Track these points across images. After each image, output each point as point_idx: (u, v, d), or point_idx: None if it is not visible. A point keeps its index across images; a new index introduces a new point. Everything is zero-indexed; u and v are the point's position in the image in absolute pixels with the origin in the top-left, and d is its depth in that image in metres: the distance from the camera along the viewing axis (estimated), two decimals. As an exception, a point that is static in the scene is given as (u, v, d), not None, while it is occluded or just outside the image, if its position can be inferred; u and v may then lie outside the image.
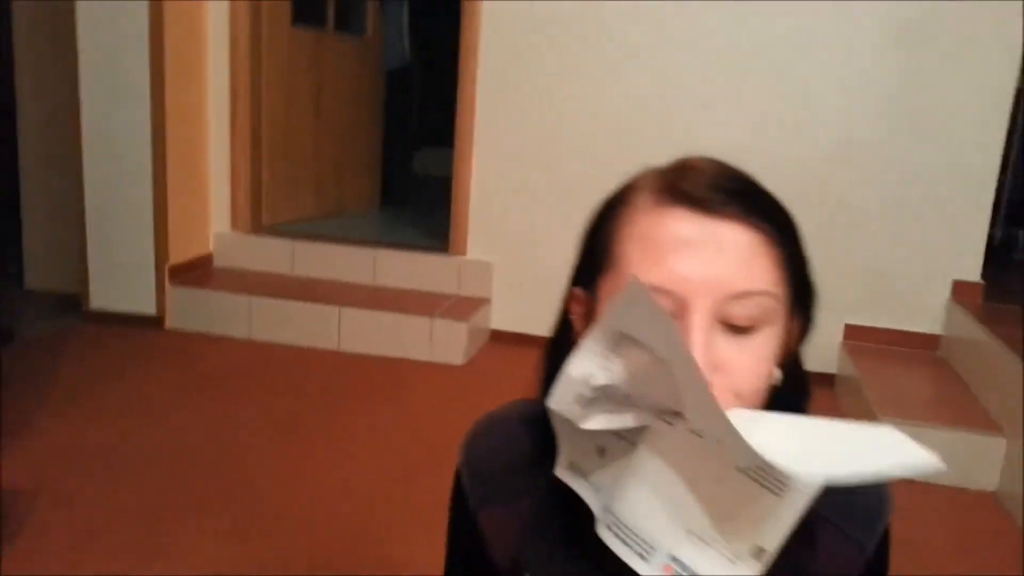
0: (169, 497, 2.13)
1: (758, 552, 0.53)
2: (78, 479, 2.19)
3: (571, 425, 0.60)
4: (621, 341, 0.56)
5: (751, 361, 0.59)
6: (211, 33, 3.50)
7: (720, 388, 0.58)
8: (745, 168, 0.65)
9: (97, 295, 3.40)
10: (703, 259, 0.58)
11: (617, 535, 0.58)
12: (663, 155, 0.68)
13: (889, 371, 2.98)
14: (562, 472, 0.63)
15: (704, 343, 0.57)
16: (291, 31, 3.76)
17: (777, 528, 0.52)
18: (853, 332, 3.26)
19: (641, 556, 0.56)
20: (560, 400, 0.59)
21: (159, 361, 3.08)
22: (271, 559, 1.89)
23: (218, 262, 3.67)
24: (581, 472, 0.62)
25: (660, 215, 0.61)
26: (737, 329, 0.59)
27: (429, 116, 5.23)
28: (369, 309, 3.25)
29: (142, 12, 3.16)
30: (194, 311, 3.37)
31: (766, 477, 0.52)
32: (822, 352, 3.20)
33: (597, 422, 0.59)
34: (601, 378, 0.57)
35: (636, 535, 0.57)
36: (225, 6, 3.47)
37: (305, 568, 1.86)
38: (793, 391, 0.67)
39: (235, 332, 3.32)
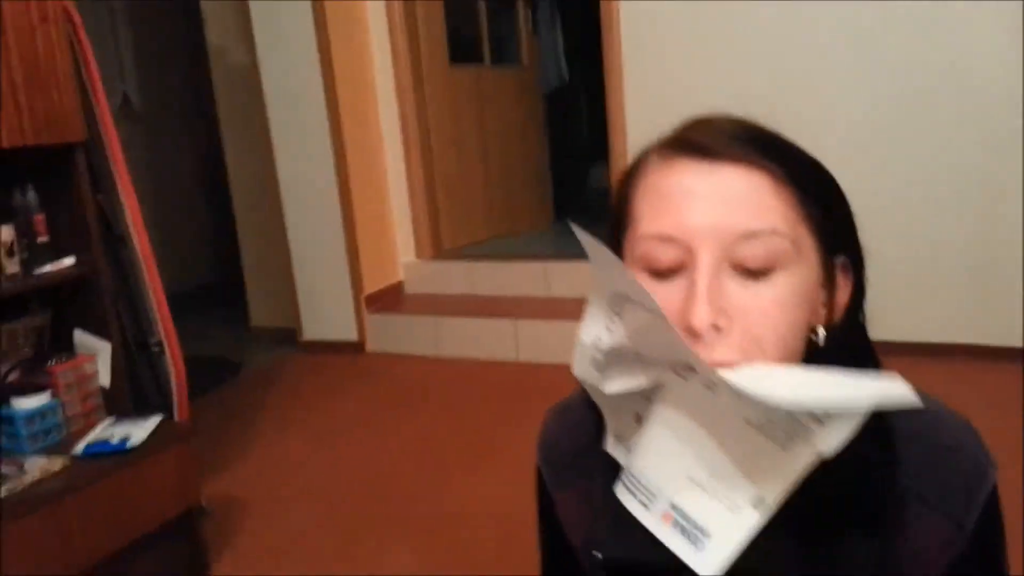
0: (364, 507, 2.37)
1: (759, 502, 0.54)
2: (286, 491, 2.50)
3: (607, 396, 0.61)
4: (619, 301, 0.57)
5: (766, 305, 0.57)
6: (378, 81, 3.85)
7: (737, 335, 0.57)
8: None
9: (308, 327, 3.84)
10: (707, 204, 0.58)
11: (627, 488, 0.59)
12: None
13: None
14: (610, 445, 0.65)
15: (709, 288, 0.56)
16: (450, 70, 4.04)
17: (780, 480, 0.53)
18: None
19: (643, 505, 0.58)
20: (581, 368, 0.62)
21: (360, 382, 3.42)
22: (453, 567, 2.03)
23: (408, 288, 4.00)
24: (625, 442, 0.63)
25: (667, 167, 0.61)
26: (750, 273, 0.58)
27: (599, 131, 5.32)
28: (544, 319, 3.40)
29: (315, 69, 3.56)
30: (389, 334, 3.71)
31: (773, 430, 0.53)
32: (1006, 324, 2.92)
33: (616, 385, 0.60)
34: (607, 340, 0.58)
35: (642, 485, 0.58)
36: (388, 58, 3.80)
37: None
38: (849, 361, 0.60)
39: (425, 351, 3.61)
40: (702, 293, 0.56)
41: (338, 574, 2.04)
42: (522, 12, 4.50)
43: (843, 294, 0.66)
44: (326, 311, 3.80)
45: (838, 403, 0.51)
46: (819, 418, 0.51)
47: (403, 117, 3.86)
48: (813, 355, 0.62)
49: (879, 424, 0.59)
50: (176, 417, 2.31)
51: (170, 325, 2.31)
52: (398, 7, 3.75)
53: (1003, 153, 2.88)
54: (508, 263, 3.82)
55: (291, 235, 3.79)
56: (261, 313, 4.25)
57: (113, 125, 2.24)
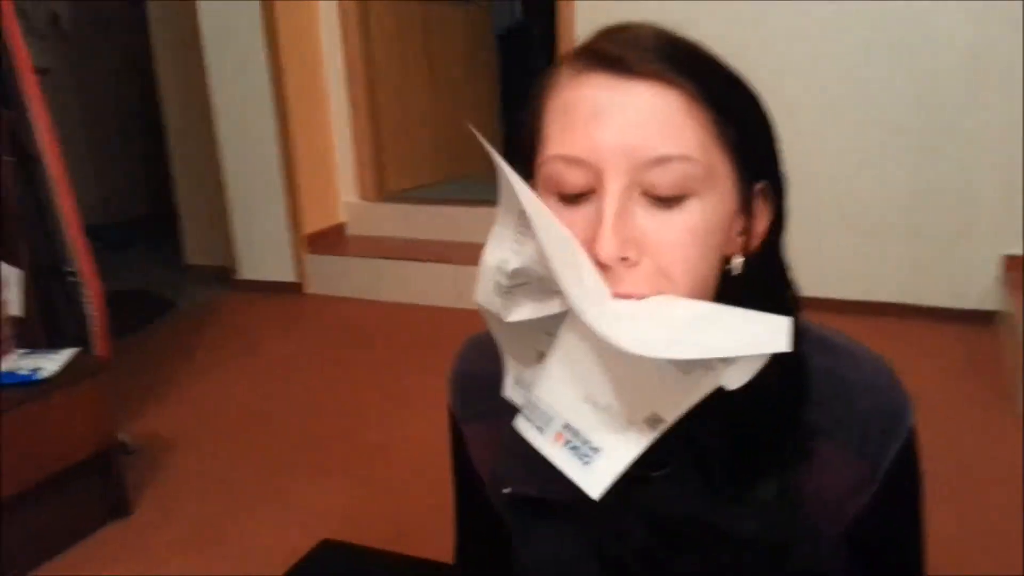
0: (290, 446, 2.31)
1: (654, 421, 0.52)
2: (215, 430, 2.42)
3: (508, 332, 0.59)
4: (527, 222, 0.54)
5: (677, 235, 0.54)
6: (322, 13, 3.66)
7: (646, 267, 0.54)
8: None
9: (245, 267, 3.70)
10: (617, 125, 0.54)
11: (525, 417, 0.57)
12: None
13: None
14: (509, 389, 0.62)
15: (617, 218, 0.53)
16: (397, 4, 3.87)
17: (678, 401, 0.51)
18: (1014, 264, 2.97)
19: (539, 429, 0.56)
20: (483, 295, 0.58)
21: (297, 323, 3.32)
22: (376, 501, 2.00)
23: (350, 230, 3.88)
24: (525, 386, 0.60)
25: (576, 83, 0.57)
26: (661, 200, 0.54)
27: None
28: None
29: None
30: (328, 276, 3.59)
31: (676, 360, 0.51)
32: (977, 288, 2.95)
33: (522, 312, 0.57)
34: (514, 262, 0.55)
35: (539, 410, 0.56)
36: (335, -14, 3.62)
37: (409, 512, 1.94)
38: (765, 291, 0.61)
39: (364, 294, 3.51)
40: (608, 224, 0.53)
41: (263, 510, 1.98)
42: (476, -54, 4.33)
43: (761, 222, 0.62)
44: (264, 251, 3.66)
45: (713, 353, 0.49)
46: (726, 359, 0.50)
47: (347, 52, 3.68)
48: (728, 285, 0.60)
49: (789, 359, 0.57)
50: (95, 351, 2.19)
51: (86, 253, 2.18)
52: (346, -69, 3.56)
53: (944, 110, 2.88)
54: (453, 207, 3.72)
55: (226, 170, 3.62)
56: (196, 250, 4.08)
57: (22, 37, 2.06)
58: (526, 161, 0.61)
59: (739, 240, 0.60)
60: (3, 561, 1.74)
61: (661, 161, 0.54)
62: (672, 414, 0.52)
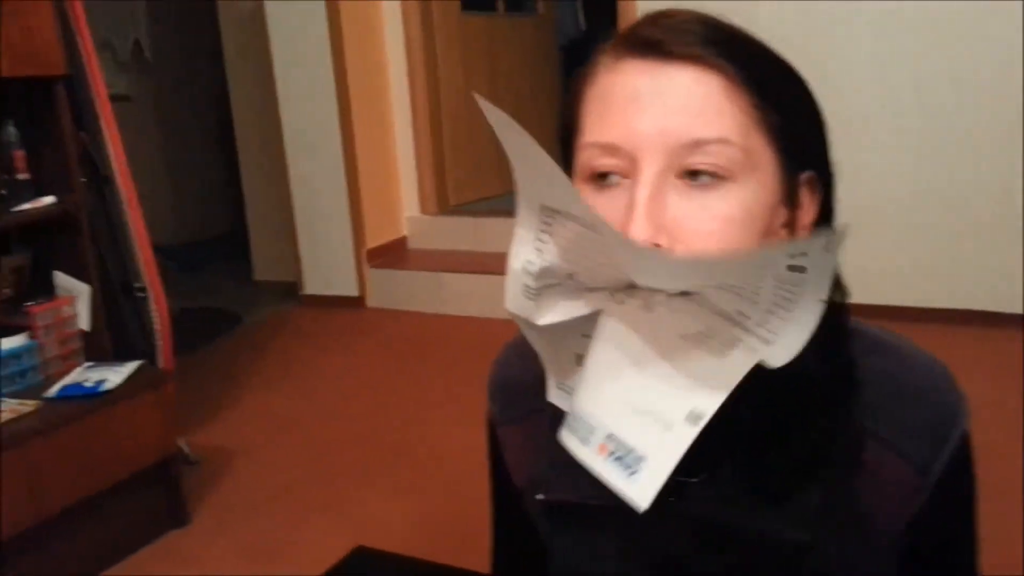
0: (350, 458, 2.33)
1: (695, 417, 0.50)
2: (277, 443, 2.46)
3: (543, 337, 0.58)
4: (550, 214, 0.52)
5: (712, 220, 0.52)
6: (387, 29, 3.73)
7: (675, 251, 0.52)
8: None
9: (309, 282, 3.78)
10: (653, 109, 0.53)
11: (569, 428, 0.56)
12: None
13: None
14: (553, 395, 0.61)
15: (650, 202, 0.52)
16: (461, 18, 3.91)
17: (717, 390, 0.49)
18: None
19: (581, 440, 0.54)
20: (513, 300, 0.56)
21: (358, 337, 3.37)
22: (435, 512, 2.00)
23: (412, 244, 3.92)
24: (569, 390, 0.59)
25: (615, 68, 0.56)
26: (697, 185, 0.52)
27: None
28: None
29: (321, 18, 3.44)
30: (390, 290, 3.64)
31: (710, 341, 0.50)
32: (1009, 290, 2.81)
33: (552, 314, 0.55)
34: (538, 262, 0.54)
35: (581, 421, 0.55)
36: (397, 4, 3.68)
37: (468, 522, 1.93)
38: None
39: (426, 307, 3.53)
40: (640, 208, 0.51)
41: (321, 524, 2.00)
42: (539, -40, 4.34)
43: (807, 214, 0.59)
44: (328, 265, 3.73)
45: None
46: (766, 338, 0.48)
47: (411, 67, 3.74)
48: None
49: (839, 357, 0.58)
50: (160, 365, 2.26)
51: (154, 270, 2.26)
52: (407, -51, 3.62)
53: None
54: (514, 219, 3.71)
55: (294, 188, 3.71)
56: (264, 267, 4.20)
57: (97, 64, 2.15)
58: (567, 151, 0.60)
59: (783, 233, 0.57)
60: (67, 566, 1.80)
61: (699, 144, 0.52)
62: (711, 405, 0.49)
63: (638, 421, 0.52)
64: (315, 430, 2.53)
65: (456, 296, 3.48)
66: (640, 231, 0.51)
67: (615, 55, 0.56)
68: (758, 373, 0.53)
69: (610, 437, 0.53)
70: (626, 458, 0.52)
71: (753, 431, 0.58)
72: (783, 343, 0.48)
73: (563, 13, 4.63)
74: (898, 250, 2.95)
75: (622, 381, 0.53)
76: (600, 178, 0.55)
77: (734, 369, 0.49)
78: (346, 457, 2.33)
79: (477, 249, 3.76)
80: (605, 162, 0.54)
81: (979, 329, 2.82)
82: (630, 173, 0.53)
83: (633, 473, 0.51)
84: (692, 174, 0.53)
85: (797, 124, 0.56)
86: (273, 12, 3.55)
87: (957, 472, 0.60)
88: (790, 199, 0.57)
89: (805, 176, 0.58)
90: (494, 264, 3.50)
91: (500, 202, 4.04)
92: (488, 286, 3.38)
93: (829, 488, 0.58)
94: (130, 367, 2.02)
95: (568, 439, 0.55)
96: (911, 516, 0.59)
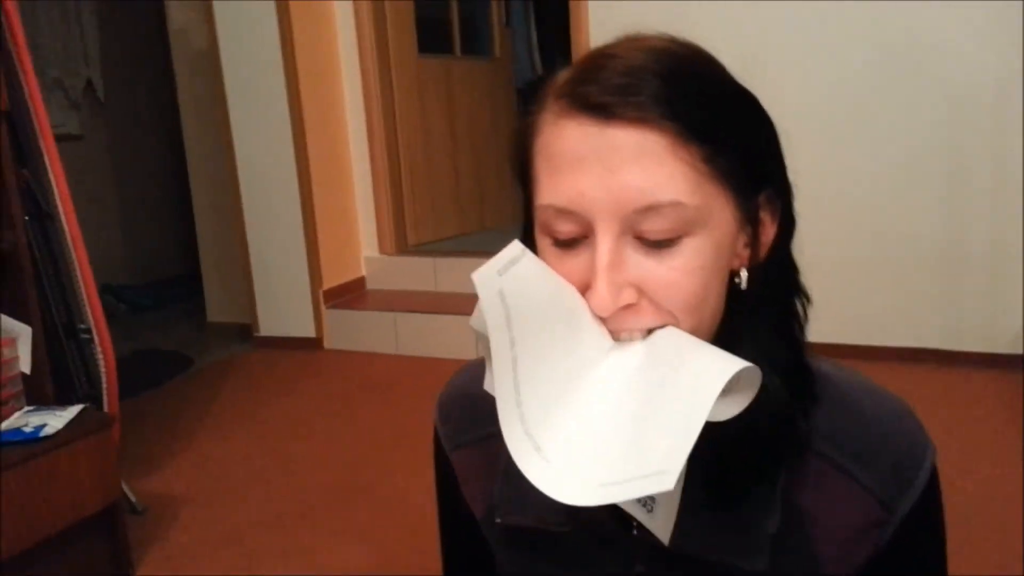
0: (304, 502, 2.26)
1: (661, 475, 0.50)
2: (229, 488, 2.38)
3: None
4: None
5: (675, 276, 0.53)
6: (344, 69, 3.74)
7: (647, 305, 0.54)
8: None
9: (265, 323, 3.72)
10: (601, 173, 0.52)
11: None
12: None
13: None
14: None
15: (610, 268, 0.52)
16: (418, 59, 3.94)
17: (680, 445, 0.48)
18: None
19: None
20: (477, 318, 0.56)
21: (314, 379, 3.30)
22: (392, 557, 1.95)
23: (370, 284, 3.89)
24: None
25: (560, 127, 0.55)
26: (655, 245, 0.53)
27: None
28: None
29: (276, 57, 3.44)
30: (347, 330, 3.59)
31: (673, 390, 0.50)
32: (1006, 330, 2.84)
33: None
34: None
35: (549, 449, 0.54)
36: (354, 45, 3.69)
37: (426, 567, 1.89)
38: (776, 297, 0.60)
39: (383, 348, 3.49)
40: (602, 278, 0.53)
41: (275, 572, 1.92)
42: (495, 3, 4.41)
43: (768, 230, 0.60)
44: (283, 307, 3.67)
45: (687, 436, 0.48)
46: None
47: (368, 107, 3.74)
48: (737, 299, 0.59)
49: (801, 392, 0.59)
50: (105, 409, 2.18)
51: (99, 310, 2.19)
52: (364, -9, 3.64)
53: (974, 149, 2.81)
54: (474, 259, 3.67)
55: (249, 228, 3.66)
56: (218, 308, 4.11)
57: (41, 99, 2.11)
58: (526, 191, 0.61)
59: (745, 253, 0.58)
60: (0, 623, 1.71)
61: (651, 208, 0.52)
62: (677, 465, 0.49)
63: (619, 473, 0.52)
64: (268, 475, 2.46)
65: (415, 337, 3.44)
66: (602, 300, 0.52)
67: (558, 111, 0.55)
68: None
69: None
70: (644, 499, 0.55)
71: (710, 455, 0.57)
72: (734, 397, 0.50)
73: (519, 55, 4.70)
74: (878, 290, 3.00)
75: (599, 420, 0.53)
76: (562, 244, 0.56)
77: (696, 417, 0.48)
78: (301, 502, 2.26)
79: (436, 289, 3.74)
80: (562, 228, 0.55)
81: (935, 367, 2.87)
82: (587, 233, 0.54)
83: (651, 511, 0.54)
84: (648, 242, 0.53)
85: (750, 156, 0.56)
86: (228, 52, 3.53)
87: (924, 514, 0.60)
88: (750, 221, 0.58)
89: (763, 195, 0.59)
90: (452, 304, 3.49)
91: (459, 242, 4.04)
92: (446, 327, 3.35)
93: (786, 517, 0.58)
94: (72, 411, 1.94)
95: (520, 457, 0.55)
96: (873, 553, 0.59)
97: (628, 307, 0.53)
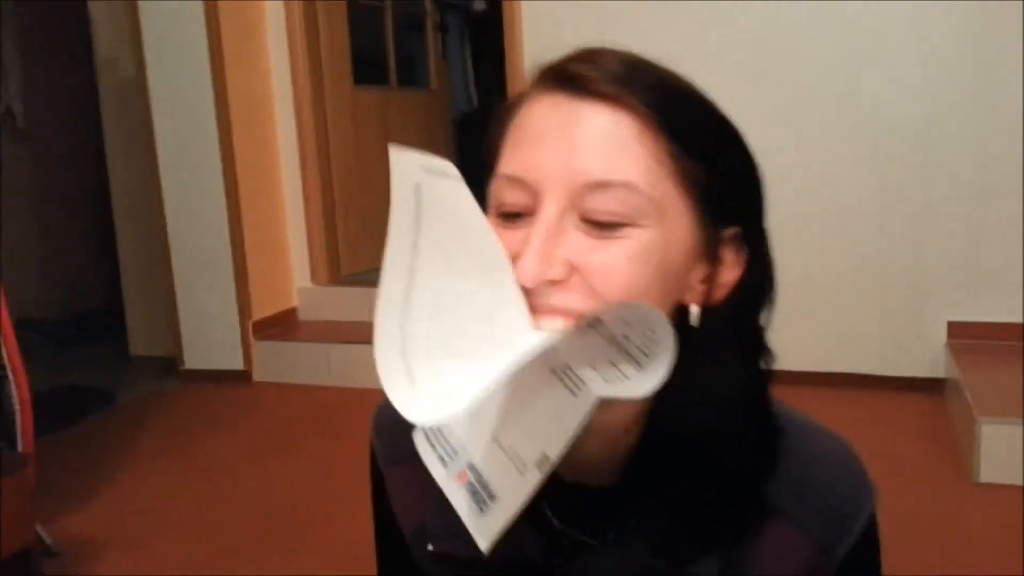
0: (236, 540, 2.19)
1: (542, 460, 0.49)
2: (151, 529, 2.29)
3: None
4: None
5: (614, 261, 0.50)
6: (276, 100, 3.70)
7: (577, 284, 0.50)
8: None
9: (190, 356, 3.61)
10: (560, 145, 0.52)
11: (428, 439, 0.56)
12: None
13: (995, 369, 2.71)
14: (417, 434, 0.59)
15: (546, 241, 0.50)
16: (353, 91, 3.93)
17: (564, 432, 0.48)
18: (957, 330, 2.99)
19: (442, 460, 0.54)
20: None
21: (243, 413, 3.21)
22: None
23: (302, 315, 3.82)
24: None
25: (534, 102, 0.55)
26: (598, 227, 0.51)
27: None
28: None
29: (206, 86, 3.39)
30: (277, 362, 3.51)
31: (570, 376, 0.49)
32: (926, 355, 2.97)
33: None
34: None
35: (445, 440, 0.54)
36: (287, 75, 3.67)
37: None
38: (729, 348, 0.56)
39: (314, 380, 3.43)
40: (534, 247, 0.50)
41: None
42: (431, 35, 4.45)
43: (730, 272, 0.57)
44: (211, 339, 3.57)
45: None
46: (638, 362, 0.47)
47: (301, 137, 3.71)
48: (686, 336, 0.53)
49: (765, 425, 0.58)
50: (19, 448, 2.08)
51: (14, 346, 2.10)
52: (298, 19, 3.61)
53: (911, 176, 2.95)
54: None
55: (175, 258, 3.56)
56: (141, 341, 3.98)
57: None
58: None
59: (699, 288, 0.56)
60: None
61: (600, 186, 0.51)
62: (557, 448, 0.48)
63: (500, 458, 0.51)
64: (197, 513, 2.37)
65: (347, 368, 3.39)
66: (528, 270, 0.49)
67: (538, 88, 0.56)
68: (674, 435, 0.53)
69: (471, 467, 0.52)
70: (481, 493, 0.51)
71: (657, 498, 0.57)
72: (652, 367, 0.47)
73: (456, 88, 4.74)
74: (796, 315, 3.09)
75: (491, 410, 0.52)
76: (507, 217, 0.54)
77: (580, 409, 0.48)
78: (233, 540, 2.19)
79: (370, 320, 3.65)
80: (510, 199, 0.53)
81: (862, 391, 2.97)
82: (534, 210, 0.52)
83: (484, 511, 0.51)
84: (592, 223, 0.51)
85: (720, 178, 0.54)
86: (156, 80, 3.46)
87: (862, 556, 0.59)
88: (710, 254, 0.55)
89: (729, 232, 0.56)
90: (386, 334, 3.45)
91: (393, 272, 4.02)
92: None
93: (728, 560, 0.57)
94: (-17, 451, 1.85)
95: (425, 451, 0.55)
96: None
97: (555, 282, 0.50)
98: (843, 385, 3.01)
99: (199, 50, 3.38)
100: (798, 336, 3.09)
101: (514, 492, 0.50)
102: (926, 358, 2.99)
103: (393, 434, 0.70)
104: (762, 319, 0.59)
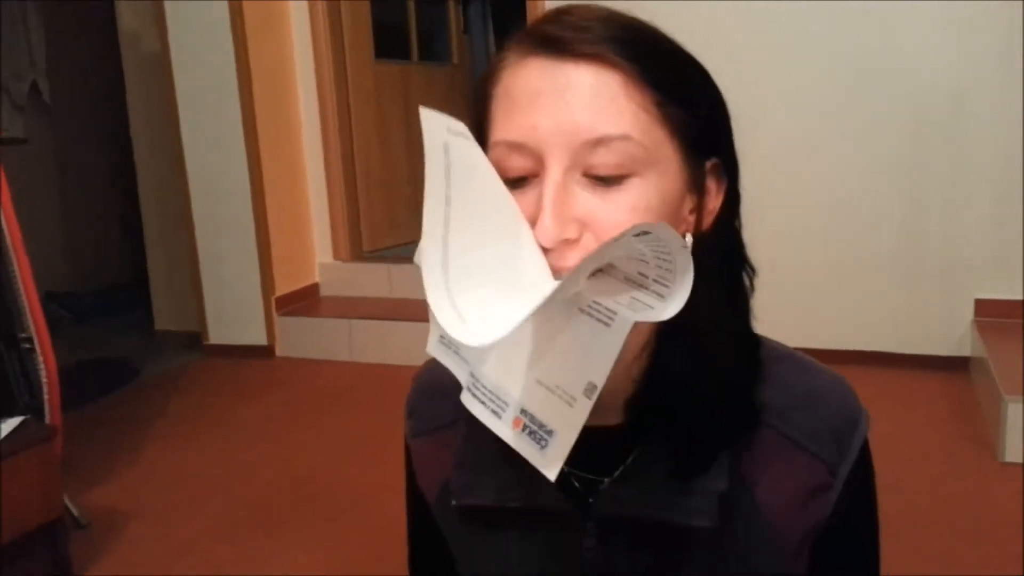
0: (258, 512, 2.23)
1: (590, 389, 0.53)
2: (177, 501, 2.33)
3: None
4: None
5: (619, 212, 0.54)
6: (299, 75, 3.70)
7: (589, 242, 0.54)
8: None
9: (215, 331, 3.65)
10: (555, 108, 0.54)
11: (478, 398, 0.58)
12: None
13: (1022, 347, 2.66)
14: (433, 348, 0.62)
15: (556, 201, 0.53)
16: (375, 65, 3.91)
17: (605, 359, 0.52)
18: (984, 307, 2.95)
19: (495, 414, 0.56)
20: (436, 347, 0.59)
21: (266, 387, 3.25)
22: (352, 565, 1.92)
23: (324, 291, 3.85)
24: (451, 344, 0.60)
25: (518, 66, 0.57)
26: (603, 181, 0.54)
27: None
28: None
29: (229, 60, 3.39)
30: (300, 338, 3.54)
31: (599, 310, 0.52)
32: (953, 333, 2.93)
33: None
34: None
35: (493, 394, 0.57)
36: (309, 50, 3.66)
37: (386, 572, 1.87)
38: (720, 267, 0.62)
39: (338, 355, 3.45)
40: (548, 209, 0.53)
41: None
42: (452, 9, 4.41)
43: (714, 200, 0.62)
44: (234, 314, 3.61)
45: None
46: (660, 292, 0.50)
47: (323, 113, 3.71)
48: None
49: (748, 339, 0.64)
50: (47, 420, 2.12)
51: (41, 319, 2.13)
52: (320, -4, 3.60)
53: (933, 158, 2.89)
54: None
55: (199, 233, 3.60)
56: (166, 316, 4.03)
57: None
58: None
59: (690, 219, 0.60)
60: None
61: (601, 142, 0.54)
62: (602, 375, 0.52)
63: (546, 396, 0.54)
64: (220, 486, 2.41)
65: (369, 344, 3.41)
66: (548, 230, 0.53)
67: (519, 52, 0.58)
68: (670, 365, 0.59)
69: (524, 412, 0.55)
70: (538, 432, 0.55)
71: (671, 419, 0.60)
72: (674, 293, 0.49)
73: (477, 62, 4.70)
74: (825, 294, 3.06)
75: (528, 354, 0.55)
76: (511, 183, 0.56)
77: (618, 336, 0.51)
78: (256, 512, 2.22)
79: (391, 296, 3.71)
80: (514, 164, 0.56)
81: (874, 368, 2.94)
82: (538, 171, 0.55)
83: (544, 447, 0.54)
84: (596, 178, 0.55)
85: (699, 116, 0.58)
86: (179, 55, 3.47)
87: (862, 475, 0.63)
88: (696, 186, 0.59)
89: (710, 164, 0.61)
90: (408, 311, 3.46)
91: (414, 249, 4.01)
92: (401, 333, 3.33)
93: (735, 485, 0.60)
94: (12, 423, 1.89)
95: (477, 408, 0.57)
96: (822, 518, 0.62)
97: (569, 242, 0.54)
98: (870, 363, 2.98)
99: (222, 24, 3.38)
100: (825, 315, 3.07)
101: (568, 423, 0.53)
102: (953, 336, 2.95)
103: (421, 412, 0.74)
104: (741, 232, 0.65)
